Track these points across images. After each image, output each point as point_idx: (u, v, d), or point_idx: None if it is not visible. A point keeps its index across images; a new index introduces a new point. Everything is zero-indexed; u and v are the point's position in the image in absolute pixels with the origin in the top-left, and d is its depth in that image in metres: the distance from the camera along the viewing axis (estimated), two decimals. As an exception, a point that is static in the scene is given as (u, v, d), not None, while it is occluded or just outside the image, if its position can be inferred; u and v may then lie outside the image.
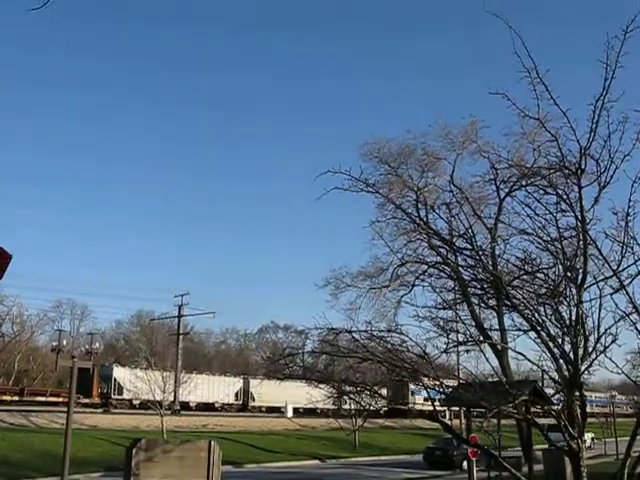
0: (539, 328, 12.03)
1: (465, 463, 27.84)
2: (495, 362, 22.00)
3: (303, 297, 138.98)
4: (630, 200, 11.10)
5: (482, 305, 17.14)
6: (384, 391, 12.92)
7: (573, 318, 11.66)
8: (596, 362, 11.62)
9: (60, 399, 52.65)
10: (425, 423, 52.57)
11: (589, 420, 12.77)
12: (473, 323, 17.33)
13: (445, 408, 46.73)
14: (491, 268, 13.65)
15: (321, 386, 13.26)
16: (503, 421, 25.61)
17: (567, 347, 11.81)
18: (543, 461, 26.28)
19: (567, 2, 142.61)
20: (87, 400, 53.37)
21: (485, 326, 18.83)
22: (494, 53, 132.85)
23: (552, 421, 13.29)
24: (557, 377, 12.37)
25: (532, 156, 13.58)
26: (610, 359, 11.64)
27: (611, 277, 11.48)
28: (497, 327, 20.83)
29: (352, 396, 13.05)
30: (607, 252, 11.52)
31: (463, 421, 38.91)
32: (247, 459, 35.83)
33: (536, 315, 12.15)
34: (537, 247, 12.87)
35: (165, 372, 43.32)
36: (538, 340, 12.08)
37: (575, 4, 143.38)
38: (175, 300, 63.73)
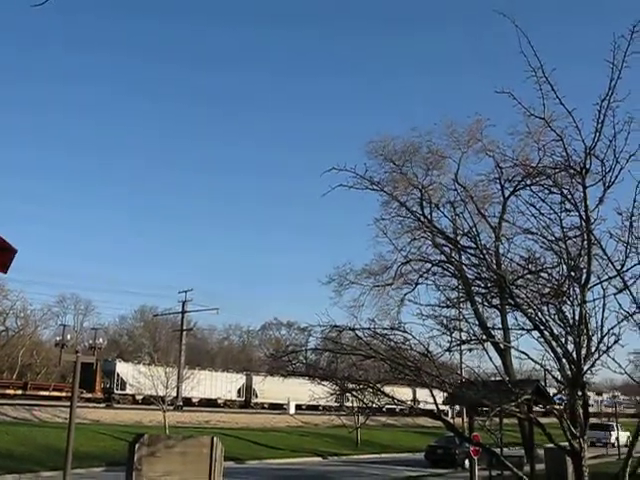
0: (542, 327, 12.04)
1: (467, 462, 27.83)
2: (498, 361, 21.98)
3: (307, 294, 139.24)
4: (635, 200, 11.15)
5: (485, 304, 17.14)
6: (387, 389, 12.89)
7: (576, 318, 11.67)
8: (599, 362, 11.64)
9: (63, 394, 52.79)
10: (427, 421, 52.60)
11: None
12: (477, 322, 17.33)
13: (448, 407, 46.72)
14: (495, 267, 13.65)
15: (324, 383, 13.28)
16: (506, 420, 25.61)
17: (570, 347, 11.82)
18: (545, 460, 26.25)
19: (573, 1, 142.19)
20: (90, 395, 53.46)
21: (488, 325, 18.86)
22: (497, 51, 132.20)
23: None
24: (560, 377, 12.38)
25: (537, 155, 13.56)
26: (613, 359, 11.67)
27: (615, 277, 11.50)
28: (500, 326, 20.86)
29: (355, 393, 13.06)
30: (611, 252, 11.56)
31: (465, 419, 38.89)
32: (249, 455, 35.88)
33: (539, 314, 12.16)
34: (541, 246, 12.88)
35: (168, 368, 43.36)
36: (541, 339, 12.10)
37: (581, 3, 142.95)
38: (179, 296, 64.05)
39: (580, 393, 11.85)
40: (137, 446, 15.83)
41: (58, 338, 56.57)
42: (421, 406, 17.66)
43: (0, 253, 6.45)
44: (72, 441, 17.75)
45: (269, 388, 63.85)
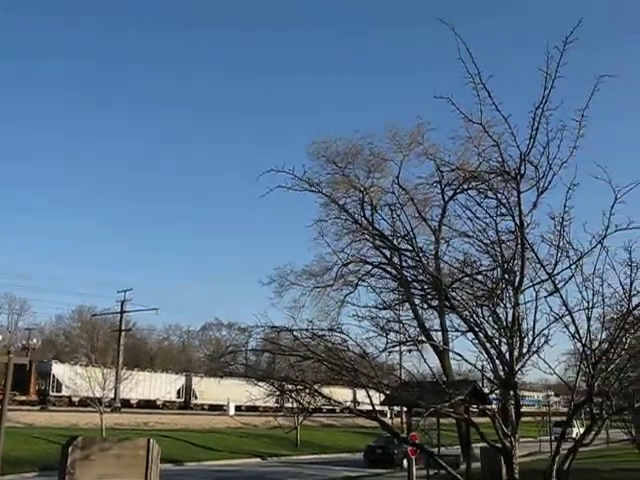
0: (477, 329, 12.28)
1: (405, 461, 28.13)
2: (434, 362, 22.34)
3: (249, 295, 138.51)
4: (566, 206, 11.44)
5: (424, 305, 17.40)
6: (324, 390, 12.93)
7: (510, 319, 11.94)
8: (530, 363, 11.94)
9: (-6, 396, 51.22)
10: (367, 422, 52.92)
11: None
12: (413, 323, 17.57)
13: (386, 407, 47.20)
14: (432, 269, 13.85)
15: (261, 384, 13.24)
16: (445, 420, 25.97)
17: (504, 348, 12.08)
18: (480, 459, 26.77)
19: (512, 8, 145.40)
20: (24, 397, 52.04)
21: (428, 326, 19.12)
22: (440, 53, 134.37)
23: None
24: (493, 377, 12.65)
25: (476, 160, 13.81)
26: (544, 360, 11.97)
27: (546, 280, 11.80)
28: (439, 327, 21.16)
29: (293, 395, 13.05)
30: (543, 256, 11.87)
31: (405, 419, 39.36)
32: (188, 457, 35.49)
33: (474, 316, 12.40)
34: (477, 250, 13.14)
35: (106, 369, 42.56)
36: (476, 341, 12.34)
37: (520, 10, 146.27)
38: (118, 296, 62.91)
39: (512, 393, 12.11)
40: (70, 449, 15.47)
41: (-11, 338, 54.95)
42: (361, 407, 17.74)
43: None
44: (1, 445, 17.19)
45: (209, 389, 63.33)
